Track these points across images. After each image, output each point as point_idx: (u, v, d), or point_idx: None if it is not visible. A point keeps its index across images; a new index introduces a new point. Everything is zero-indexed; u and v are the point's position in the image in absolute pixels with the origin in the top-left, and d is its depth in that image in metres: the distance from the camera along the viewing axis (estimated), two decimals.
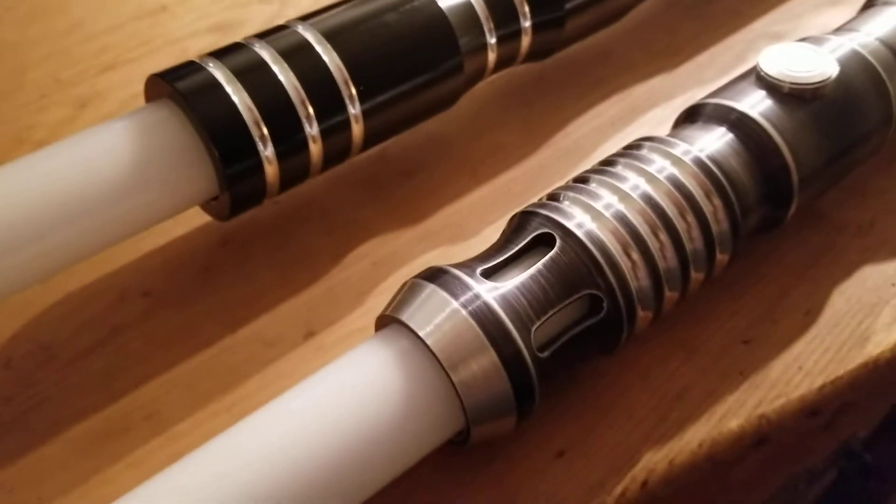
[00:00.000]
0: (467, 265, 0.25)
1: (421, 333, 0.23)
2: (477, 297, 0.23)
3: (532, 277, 0.24)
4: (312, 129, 0.28)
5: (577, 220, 0.25)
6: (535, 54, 0.35)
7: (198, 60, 0.28)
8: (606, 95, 0.38)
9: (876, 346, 0.29)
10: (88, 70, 0.38)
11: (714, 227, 0.26)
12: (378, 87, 0.29)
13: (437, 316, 0.23)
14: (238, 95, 0.27)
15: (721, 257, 0.27)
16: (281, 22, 0.30)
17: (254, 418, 0.22)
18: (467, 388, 0.23)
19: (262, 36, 0.29)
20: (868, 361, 0.29)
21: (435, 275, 0.24)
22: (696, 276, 0.27)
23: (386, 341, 0.24)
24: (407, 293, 0.24)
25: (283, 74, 0.27)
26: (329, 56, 0.28)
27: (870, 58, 0.31)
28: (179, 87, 0.26)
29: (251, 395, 0.27)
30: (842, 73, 0.29)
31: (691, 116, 0.30)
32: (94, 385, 0.27)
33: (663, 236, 0.25)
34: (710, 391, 0.27)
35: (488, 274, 0.24)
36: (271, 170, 0.28)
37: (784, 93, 0.29)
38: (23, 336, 0.28)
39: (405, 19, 0.30)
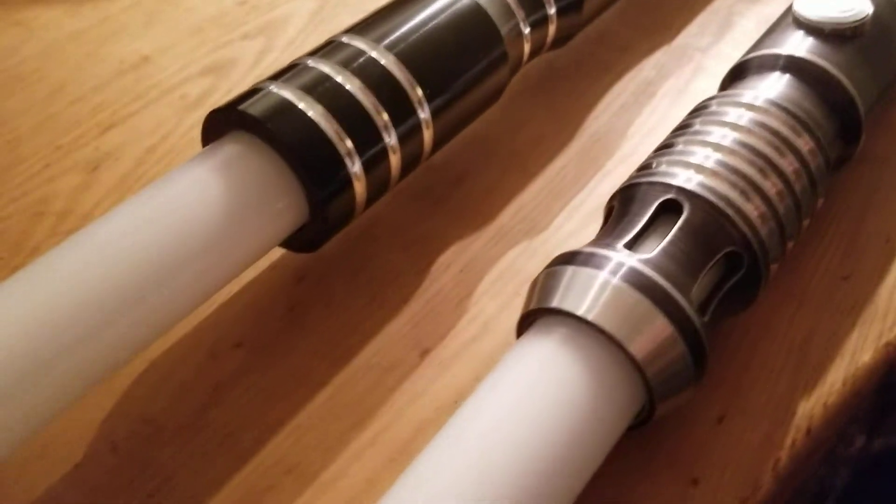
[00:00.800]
0: (598, 244, 0.24)
1: (579, 312, 0.22)
2: (623, 265, 0.23)
3: (671, 243, 0.24)
4: (391, 139, 0.27)
5: (686, 176, 0.25)
6: (557, 41, 0.35)
7: (260, 85, 0.26)
8: (617, 77, 0.38)
9: None
10: (88, 132, 0.35)
11: (812, 165, 0.27)
12: (440, 86, 0.28)
13: (589, 291, 0.22)
14: (314, 111, 0.25)
15: (820, 198, 0.27)
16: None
17: (449, 436, 0.20)
18: (648, 361, 0.22)
19: (313, 53, 0.27)
20: None
21: (569, 258, 0.24)
22: (804, 220, 0.27)
23: (543, 335, 0.22)
24: (545, 284, 0.23)
25: (350, 84, 0.26)
26: (387, 60, 0.27)
27: None
28: (254, 114, 0.25)
29: (389, 425, 0.25)
30: (875, 8, 0.30)
31: (739, 74, 0.31)
32: (215, 451, 0.25)
33: (774, 179, 0.25)
34: (831, 332, 0.28)
35: (630, 246, 0.24)
36: (360, 186, 0.26)
37: (826, 34, 0.30)
38: (119, 413, 0.25)
39: (448, 16, 0.29)
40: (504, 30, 0.31)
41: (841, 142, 0.29)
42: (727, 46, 0.40)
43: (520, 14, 0.32)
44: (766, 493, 0.24)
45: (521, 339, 0.23)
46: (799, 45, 0.30)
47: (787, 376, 0.26)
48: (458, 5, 0.29)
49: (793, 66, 0.29)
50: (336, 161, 0.25)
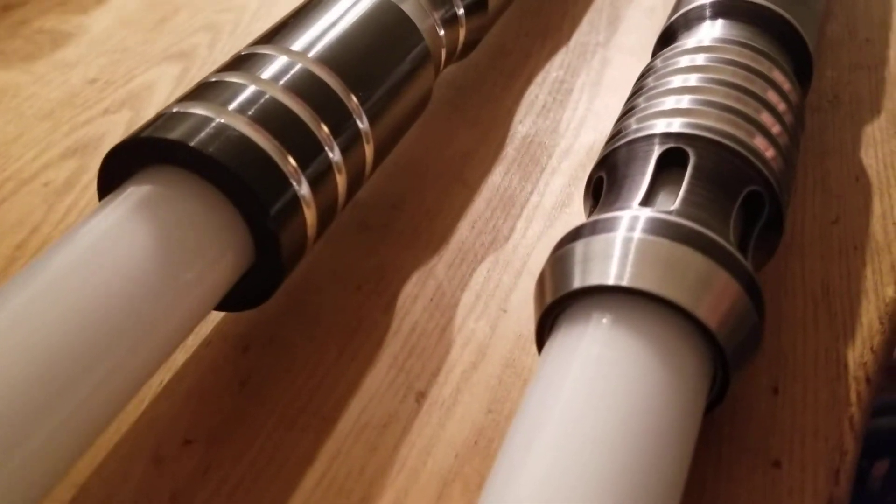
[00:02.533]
0: (606, 209, 0.21)
1: (609, 282, 0.18)
2: (650, 218, 0.19)
3: (689, 191, 0.20)
4: (335, 154, 0.22)
5: (665, 122, 0.22)
6: (467, 46, 0.32)
7: (166, 110, 0.21)
8: (528, 81, 0.36)
9: None
10: None
11: (794, 101, 0.25)
12: (372, 91, 0.24)
13: (612, 255, 0.19)
14: (245, 127, 0.21)
15: (801, 139, 0.25)
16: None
17: (517, 466, 0.16)
18: (717, 323, 0.18)
19: (221, 70, 0.23)
20: None
21: (573, 235, 0.20)
22: (797, 159, 0.25)
23: (580, 326, 0.18)
24: (555, 271, 0.20)
25: (280, 94, 0.22)
26: (314, 66, 0.23)
27: None
28: (172, 137, 0.20)
29: (407, 489, 0.20)
30: None
31: (669, 38, 0.29)
32: None
33: (767, 115, 0.23)
34: (844, 275, 0.25)
35: (645, 204, 0.20)
36: (310, 213, 0.22)
37: None
38: None
39: (366, 16, 0.25)
40: (423, 29, 0.27)
41: (797, 80, 0.28)
42: (624, 37, 0.39)
43: (433, 15, 0.29)
44: (853, 455, 0.21)
45: (550, 342, 0.19)
46: None
47: (824, 329, 0.24)
48: (370, 5, 0.26)
49: (724, 9, 0.27)
50: (281, 182, 0.21)
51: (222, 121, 0.20)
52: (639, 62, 0.33)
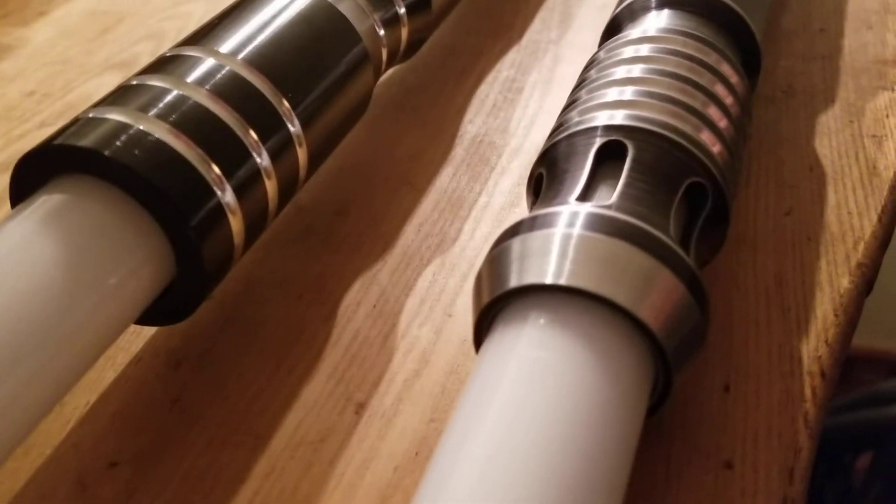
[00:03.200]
0: (543, 206, 0.20)
1: (547, 281, 0.17)
2: (589, 213, 0.18)
3: (628, 185, 0.20)
4: (263, 160, 0.22)
5: (608, 114, 0.21)
6: (411, 46, 0.31)
7: (81, 115, 0.20)
8: (478, 80, 0.35)
9: (886, 170, 0.28)
10: None
11: (740, 90, 0.24)
12: (305, 93, 0.23)
13: (550, 252, 0.18)
14: (164, 132, 0.20)
15: (750, 130, 0.25)
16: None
17: (445, 474, 0.15)
18: (656, 320, 0.17)
19: (142, 73, 0.22)
20: (891, 183, 0.28)
21: (511, 232, 0.19)
22: (744, 151, 0.24)
23: (516, 325, 0.18)
24: (492, 269, 0.19)
25: (203, 98, 0.21)
26: (241, 67, 0.22)
27: None
28: (84, 144, 0.19)
29: None
30: None
31: (615, 30, 0.28)
32: None
33: (714, 107, 0.22)
34: (798, 267, 0.25)
35: (582, 199, 0.19)
36: (236, 222, 0.21)
37: None
38: None
39: (299, 16, 0.25)
40: (361, 29, 0.27)
41: (745, 72, 0.27)
42: (576, 34, 0.38)
43: (373, 15, 0.28)
44: (807, 453, 0.20)
45: (486, 342, 0.18)
46: None
47: (777, 324, 0.23)
48: (306, 3, 0.25)
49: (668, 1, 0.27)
50: (203, 190, 0.20)
51: (140, 127, 0.19)
52: None
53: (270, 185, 0.22)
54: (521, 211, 0.28)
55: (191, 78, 0.21)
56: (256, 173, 0.21)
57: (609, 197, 0.19)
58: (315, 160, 0.25)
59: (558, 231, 0.18)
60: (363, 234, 0.27)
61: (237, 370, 0.23)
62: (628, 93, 0.22)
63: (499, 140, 0.31)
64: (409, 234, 0.27)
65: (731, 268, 0.25)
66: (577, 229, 0.18)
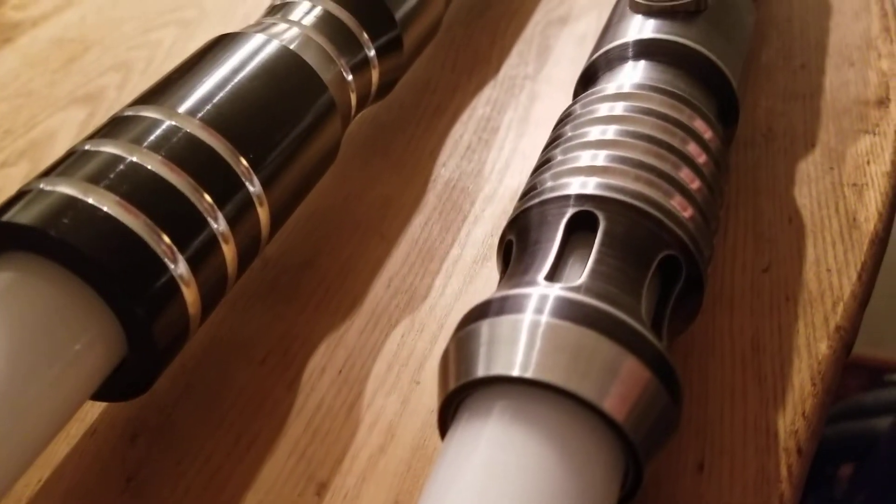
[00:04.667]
0: (509, 286, 0.19)
1: (514, 373, 0.17)
2: (549, 297, 0.18)
3: (599, 262, 0.19)
4: (219, 224, 0.21)
5: (580, 182, 0.21)
6: (382, 88, 0.31)
7: (27, 187, 0.19)
8: (452, 119, 0.34)
9: (867, 222, 0.28)
10: None
11: (714, 149, 0.23)
12: (266, 150, 0.23)
13: (517, 341, 0.17)
14: (111, 204, 0.19)
15: (727, 187, 0.24)
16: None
17: None
18: (623, 413, 0.17)
19: (92, 136, 0.21)
20: (871, 237, 0.27)
21: (479, 312, 0.18)
22: (720, 211, 0.23)
23: (479, 418, 0.17)
24: (459, 353, 0.18)
25: (154, 163, 0.20)
26: (195, 127, 0.21)
27: None
28: (26, 222, 0.18)
29: None
30: None
31: (590, 79, 0.28)
32: None
33: (686, 170, 0.22)
34: (775, 330, 0.24)
35: (550, 278, 0.19)
36: (190, 293, 0.20)
37: (669, 12, 0.27)
38: None
39: (260, 67, 0.24)
40: (326, 77, 0.26)
41: (721, 121, 0.26)
42: (553, 69, 0.37)
43: (340, 60, 0.27)
44: None
45: (452, 431, 0.17)
46: (643, 28, 0.27)
47: (753, 394, 0.22)
48: (268, 54, 0.24)
49: (646, 49, 0.26)
50: (153, 264, 0.19)
51: (89, 201, 0.19)
52: (566, 97, 0.31)
53: (228, 250, 0.21)
54: (492, 266, 0.27)
55: (144, 143, 0.20)
56: (212, 240, 0.20)
57: (578, 275, 0.19)
58: (279, 218, 0.24)
59: (526, 318, 0.17)
60: (330, 289, 0.26)
61: (196, 444, 0.22)
62: (601, 158, 0.21)
63: (472, 185, 0.31)
64: (379, 289, 0.26)
65: (707, 332, 0.24)
66: (546, 316, 0.17)
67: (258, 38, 0.25)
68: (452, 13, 0.40)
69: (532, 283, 0.18)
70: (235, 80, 0.23)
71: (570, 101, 0.28)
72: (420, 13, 0.31)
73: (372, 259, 0.27)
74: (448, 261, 0.27)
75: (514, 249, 0.21)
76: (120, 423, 0.22)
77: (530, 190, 0.22)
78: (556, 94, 0.36)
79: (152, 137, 0.20)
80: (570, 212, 0.20)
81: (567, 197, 0.20)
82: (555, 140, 0.24)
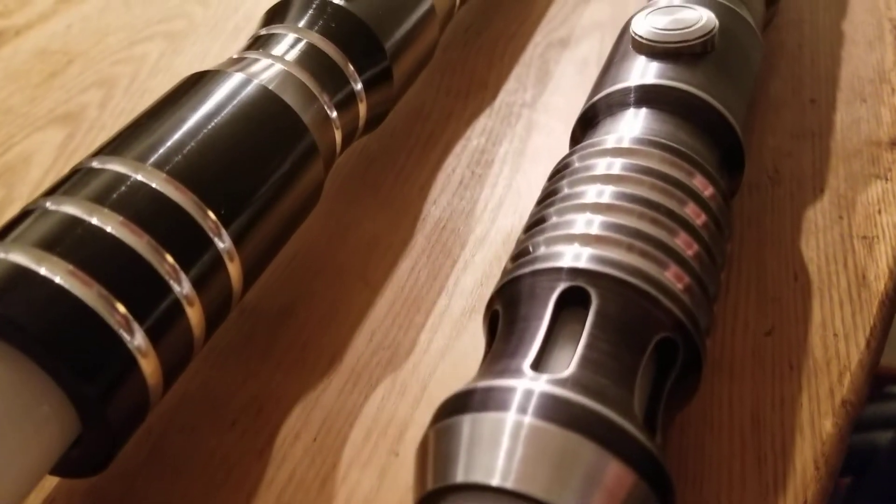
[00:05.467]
0: (494, 370, 0.18)
1: (493, 482, 0.15)
2: (534, 393, 0.16)
3: (589, 347, 0.18)
4: (183, 287, 0.19)
5: (573, 252, 0.19)
6: (371, 121, 0.29)
7: None
8: (445, 151, 0.33)
9: (877, 280, 0.26)
10: None
11: (715, 208, 0.22)
12: (239, 202, 0.21)
13: (499, 445, 0.16)
14: (64, 275, 0.17)
15: (729, 245, 0.23)
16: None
17: None
18: None
19: (53, 190, 0.20)
20: (881, 298, 0.26)
21: (461, 403, 0.17)
22: (721, 274, 0.22)
23: None
24: (438, 448, 0.17)
25: (112, 225, 0.18)
26: (160, 182, 0.20)
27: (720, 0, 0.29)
28: None
29: None
30: (719, 17, 0.27)
31: (589, 121, 0.26)
32: None
33: (684, 235, 0.20)
34: (777, 403, 0.23)
35: (536, 365, 0.17)
36: (149, 364, 0.18)
37: (674, 55, 0.26)
38: None
39: (233, 112, 0.22)
40: (307, 117, 0.24)
41: (725, 172, 0.25)
42: (553, 96, 0.36)
43: (323, 97, 0.25)
44: None
45: None
46: (646, 71, 0.25)
47: (751, 477, 0.21)
48: (245, 96, 0.23)
49: (648, 96, 0.25)
50: (106, 338, 0.17)
51: (40, 272, 0.17)
52: (564, 127, 0.30)
53: (194, 313, 0.20)
54: (480, 318, 0.26)
55: (105, 202, 0.19)
56: (174, 305, 0.19)
57: (567, 361, 0.17)
58: (254, 270, 0.22)
59: (509, 418, 0.16)
60: (309, 342, 0.25)
61: None
62: (596, 225, 0.20)
63: (463, 226, 0.29)
64: (360, 343, 0.25)
65: (705, 402, 0.22)
66: (529, 416, 0.16)
67: (234, 78, 0.23)
68: (449, 32, 0.39)
69: (517, 372, 0.17)
70: (208, 127, 0.21)
71: (568, 135, 0.27)
72: (412, 42, 0.30)
73: (355, 308, 0.26)
74: (435, 313, 0.26)
75: (501, 322, 0.19)
76: (79, 495, 0.21)
77: (521, 254, 0.21)
78: (553, 124, 0.34)
79: (114, 195, 0.19)
80: (561, 286, 0.19)
81: (559, 269, 0.19)
82: (550, 196, 0.22)
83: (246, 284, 0.22)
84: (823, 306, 0.25)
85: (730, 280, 0.26)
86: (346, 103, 0.27)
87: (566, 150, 0.26)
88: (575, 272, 0.19)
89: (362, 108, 0.28)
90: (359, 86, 0.27)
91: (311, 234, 0.28)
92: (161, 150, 0.20)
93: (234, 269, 0.21)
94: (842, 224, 0.28)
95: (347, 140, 0.28)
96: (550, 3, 0.42)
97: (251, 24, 0.42)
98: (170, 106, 0.22)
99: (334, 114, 0.26)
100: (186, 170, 0.20)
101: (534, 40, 0.39)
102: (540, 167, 0.32)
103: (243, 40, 0.29)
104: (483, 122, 0.34)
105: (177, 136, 0.21)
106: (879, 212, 0.29)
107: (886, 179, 0.30)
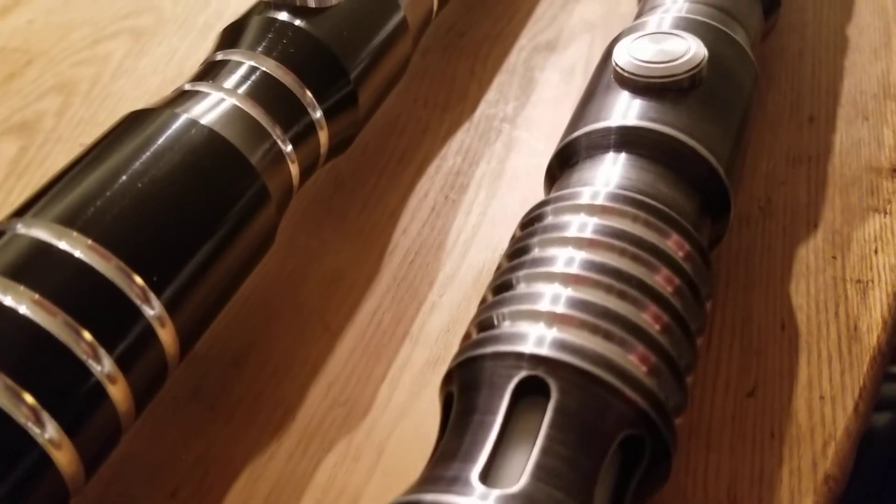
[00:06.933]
0: (443, 479, 0.16)
1: None
2: None
3: (545, 452, 0.16)
4: (104, 366, 0.18)
5: (537, 334, 0.18)
6: (336, 147, 0.27)
7: None
8: (421, 169, 0.31)
9: (869, 333, 0.25)
10: None
11: (690, 270, 0.20)
12: (173, 263, 0.19)
13: None
14: None
15: (707, 302, 0.21)
16: None
17: None
18: None
19: None
20: (872, 354, 0.24)
21: None
22: (697, 340, 0.20)
23: None
24: None
25: (26, 305, 0.17)
26: (83, 251, 0.18)
27: (711, 21, 0.26)
28: None
29: None
30: (708, 46, 0.25)
31: (568, 158, 0.24)
32: None
33: (654, 308, 0.19)
34: (756, 476, 0.21)
35: (485, 476, 0.16)
36: (64, 456, 0.17)
37: (659, 89, 0.24)
38: None
39: (170, 160, 0.20)
40: (256, 157, 0.22)
41: (707, 219, 0.23)
42: (535, 109, 0.34)
43: (276, 131, 0.24)
44: None
45: None
46: (629, 109, 0.23)
47: None
48: (185, 141, 0.21)
49: (629, 139, 0.23)
50: (13, 434, 0.16)
51: None
52: (546, 147, 0.28)
53: (117, 392, 0.18)
54: (443, 370, 0.24)
55: (21, 277, 0.17)
56: (94, 387, 0.18)
57: (521, 467, 0.16)
58: (194, 333, 0.21)
59: None
60: (262, 395, 0.24)
61: None
62: (562, 302, 0.18)
63: (432, 261, 0.27)
64: (315, 397, 0.23)
65: (680, 478, 0.21)
66: None
67: (175, 120, 0.21)
68: (430, 33, 0.37)
69: (466, 485, 0.15)
70: (143, 180, 0.20)
71: (548, 155, 0.25)
72: (380, 61, 0.28)
73: (312, 355, 0.25)
74: (396, 363, 0.24)
75: (455, 409, 0.18)
76: None
77: (485, 325, 0.19)
78: (534, 143, 0.32)
79: (32, 270, 0.17)
80: (519, 375, 0.17)
81: (520, 355, 0.17)
82: (520, 254, 0.21)
83: (185, 347, 0.20)
84: (811, 362, 0.24)
85: (713, 330, 0.25)
86: (304, 134, 0.25)
87: (544, 170, 0.24)
88: (535, 360, 0.17)
89: (323, 137, 0.26)
90: (318, 114, 0.25)
91: (271, 268, 0.27)
92: (88, 212, 0.19)
93: (166, 335, 0.19)
94: (835, 265, 0.26)
95: (309, 171, 0.26)
96: (538, 0, 0.40)
97: (222, 22, 0.40)
98: (103, 154, 0.20)
99: (289, 148, 0.24)
100: (113, 233, 0.19)
101: (519, 43, 0.37)
102: (517, 193, 0.30)
103: (212, 39, 0.27)
104: (461, 139, 0.32)
105: (107, 193, 0.19)
106: (876, 251, 0.27)
107: (885, 213, 0.28)
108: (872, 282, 0.26)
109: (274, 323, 0.25)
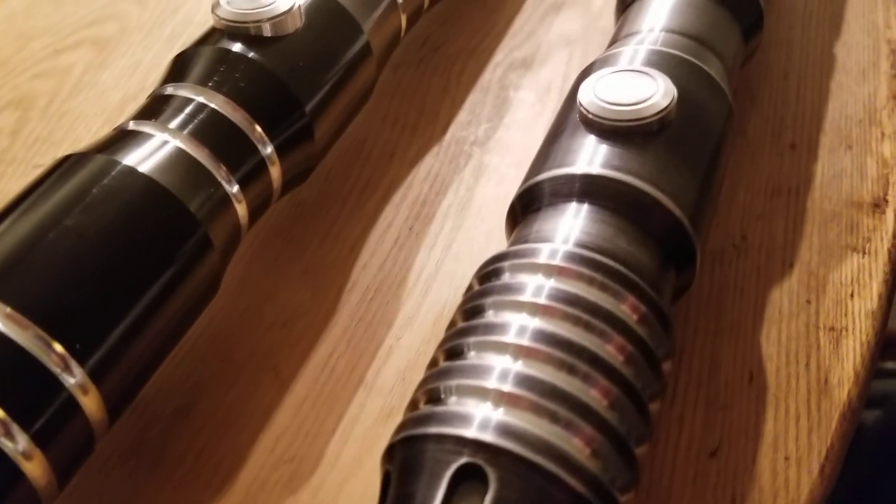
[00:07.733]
0: None
1: None
2: None
3: None
4: (19, 443, 0.17)
5: (483, 416, 0.17)
6: (293, 181, 0.26)
7: None
8: (385, 197, 0.30)
9: (840, 387, 0.24)
10: None
11: (645, 334, 0.19)
12: (97, 326, 0.18)
13: None
14: None
15: (666, 365, 0.20)
16: None
17: None
18: None
19: None
20: (842, 411, 0.23)
21: None
22: (653, 407, 0.19)
23: None
24: None
25: None
26: (4, 320, 0.17)
27: (683, 55, 0.25)
28: None
29: None
30: (678, 85, 0.23)
31: (530, 203, 0.23)
32: None
33: (602, 382, 0.18)
34: None
35: None
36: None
37: (627, 134, 0.23)
38: None
39: (105, 212, 0.19)
40: (196, 203, 0.21)
41: (672, 271, 0.22)
42: (508, 132, 0.33)
43: (220, 172, 0.22)
44: None
45: None
46: (594, 155, 0.22)
47: None
48: (118, 191, 0.20)
49: (592, 189, 0.22)
50: None
51: None
52: (516, 174, 0.27)
53: (34, 468, 0.17)
54: (397, 421, 0.23)
55: None
56: (9, 468, 0.17)
57: None
58: (125, 396, 0.20)
59: None
60: (205, 450, 0.23)
61: None
62: (510, 379, 0.17)
63: (392, 300, 0.26)
64: (261, 453, 0.22)
65: None
66: None
67: (112, 168, 0.20)
68: (404, 46, 0.35)
69: None
70: (67, 241, 0.18)
71: (517, 181, 0.23)
72: (339, 92, 0.27)
73: (261, 406, 0.24)
74: (347, 417, 0.23)
75: (391, 496, 0.17)
76: None
77: (430, 397, 0.18)
78: (504, 169, 0.31)
79: None
80: (459, 461, 0.16)
81: (461, 440, 0.16)
82: (473, 314, 0.20)
83: (115, 411, 0.19)
84: (777, 419, 0.23)
85: (678, 383, 0.24)
86: (254, 172, 0.24)
87: (511, 198, 0.23)
88: (476, 445, 0.16)
89: (276, 172, 0.25)
90: (268, 149, 0.24)
91: (222, 307, 0.26)
92: (9, 278, 0.18)
93: (90, 403, 0.18)
94: (809, 310, 0.25)
95: (262, 207, 0.25)
96: (517, 12, 0.38)
97: (190, 31, 0.39)
98: (32, 207, 0.19)
99: (235, 188, 0.23)
100: (34, 299, 0.17)
101: (495, 59, 0.36)
102: (483, 225, 0.29)
103: (178, 49, 0.26)
104: (429, 164, 0.31)
105: (30, 255, 0.18)
106: (852, 295, 0.26)
107: (863, 253, 0.27)
108: (846, 329, 0.25)
109: (222, 369, 0.24)
